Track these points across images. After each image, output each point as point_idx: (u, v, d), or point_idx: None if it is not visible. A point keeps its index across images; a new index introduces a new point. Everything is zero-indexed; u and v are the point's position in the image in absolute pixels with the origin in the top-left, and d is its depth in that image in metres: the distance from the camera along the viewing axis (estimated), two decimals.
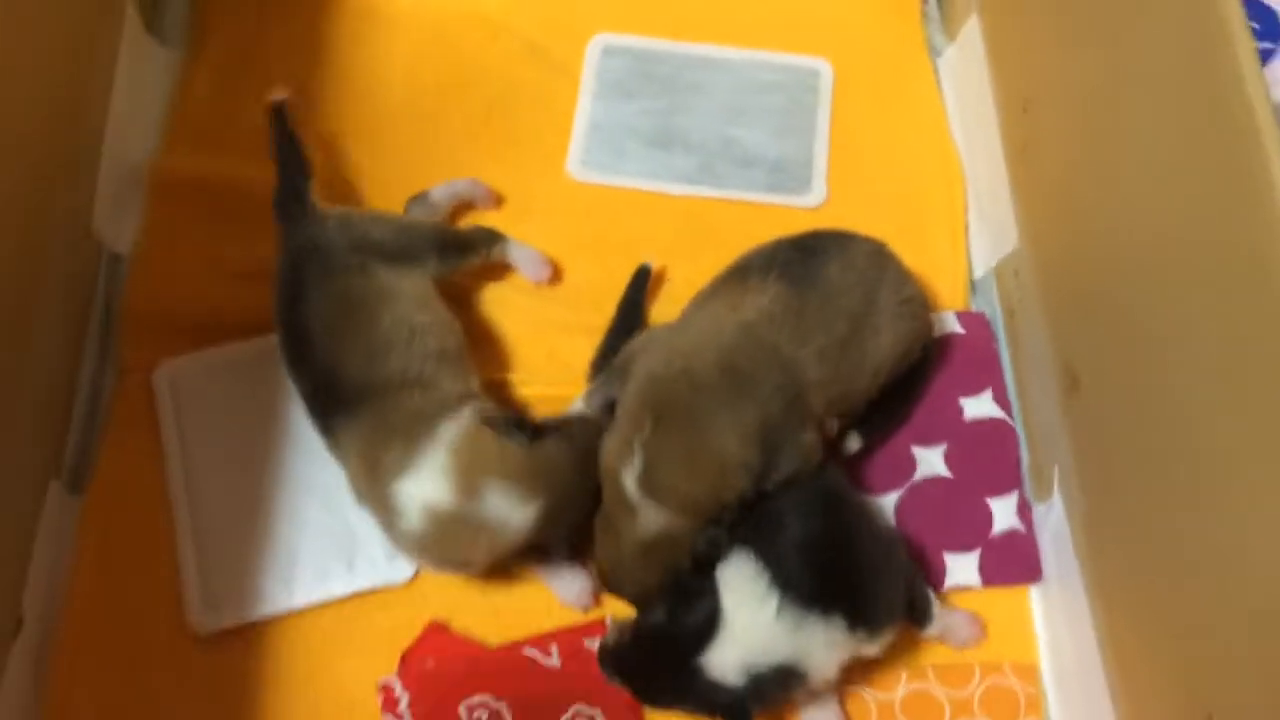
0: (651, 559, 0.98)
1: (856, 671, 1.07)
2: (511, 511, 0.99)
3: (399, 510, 1.00)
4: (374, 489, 1.02)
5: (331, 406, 1.04)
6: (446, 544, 1.01)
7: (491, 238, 1.22)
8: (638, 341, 1.10)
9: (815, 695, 1.03)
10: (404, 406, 1.02)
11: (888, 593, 1.01)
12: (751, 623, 0.93)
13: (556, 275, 1.26)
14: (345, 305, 1.06)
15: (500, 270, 1.26)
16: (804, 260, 1.09)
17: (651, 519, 0.97)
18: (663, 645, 0.96)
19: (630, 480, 0.97)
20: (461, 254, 1.18)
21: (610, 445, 1.00)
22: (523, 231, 1.29)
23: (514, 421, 1.01)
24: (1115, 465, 1.01)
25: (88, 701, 1.05)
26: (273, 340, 1.12)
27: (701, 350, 1.01)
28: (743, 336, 1.02)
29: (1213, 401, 0.85)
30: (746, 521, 0.98)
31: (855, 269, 1.10)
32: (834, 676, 0.98)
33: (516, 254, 1.24)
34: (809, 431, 1.02)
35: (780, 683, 0.94)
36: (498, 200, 1.30)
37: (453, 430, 1.00)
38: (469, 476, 0.98)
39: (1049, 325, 1.13)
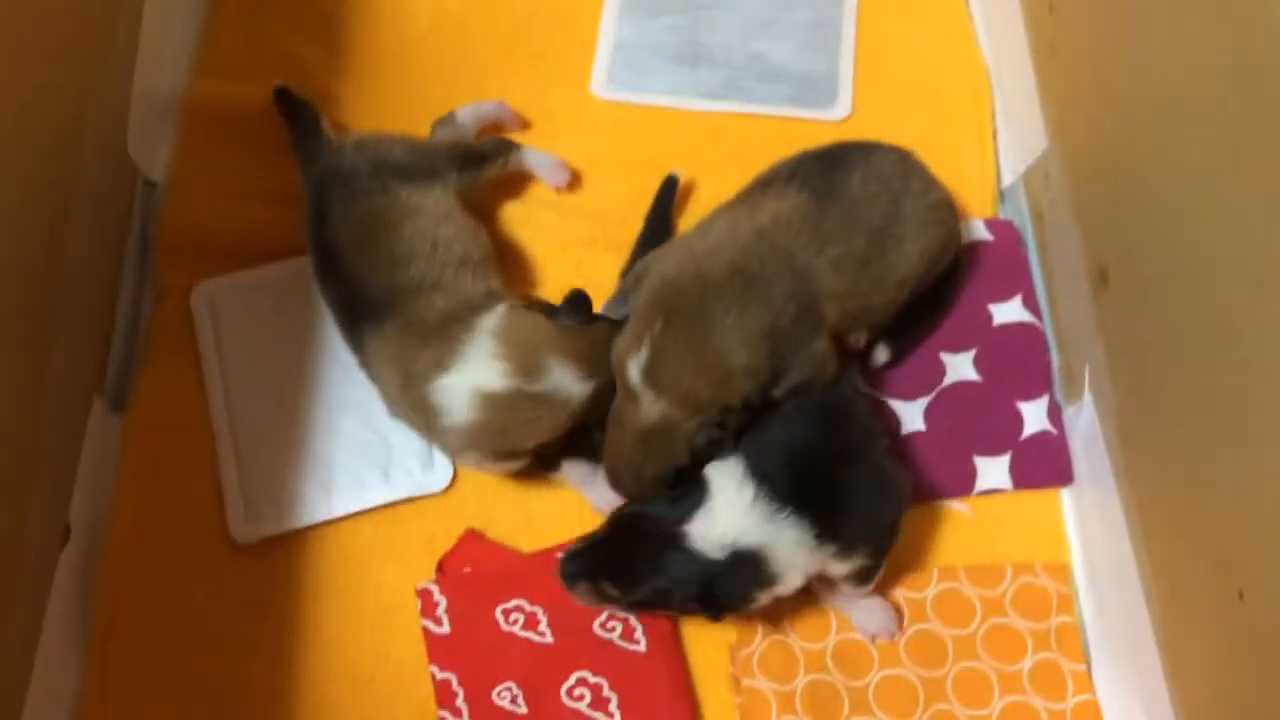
0: (650, 449, 1.00)
1: (887, 572, 1.08)
2: (572, 386, 1.01)
3: (443, 408, 1.01)
4: (409, 394, 1.03)
5: (359, 318, 1.06)
6: (501, 429, 1.02)
7: (507, 146, 1.23)
8: (659, 249, 1.11)
9: (859, 596, 1.04)
10: (431, 311, 1.04)
11: (866, 518, 1.00)
12: (729, 503, 0.95)
13: (576, 180, 1.27)
14: (369, 224, 1.09)
15: (524, 186, 1.27)
16: (827, 171, 1.09)
17: (651, 408, 0.98)
18: (647, 521, 0.98)
19: (635, 371, 0.99)
20: (480, 165, 1.20)
21: (621, 341, 1.02)
22: (548, 148, 1.29)
23: (567, 304, 1.04)
24: (1147, 359, 1.00)
25: (134, 608, 1.08)
26: (306, 261, 1.14)
27: (715, 253, 1.02)
28: (756, 241, 1.02)
29: (1245, 289, 0.84)
30: (752, 426, 0.99)
31: (879, 179, 1.09)
32: (799, 580, 0.98)
33: (533, 159, 1.25)
34: (821, 341, 1.03)
35: (753, 568, 0.95)
36: (523, 123, 1.30)
37: (493, 321, 1.03)
38: (524, 357, 1.01)
39: (1078, 224, 1.12)
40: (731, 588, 0.96)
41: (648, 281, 1.04)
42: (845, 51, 1.35)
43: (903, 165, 1.12)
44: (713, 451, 0.98)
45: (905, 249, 1.09)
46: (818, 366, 1.03)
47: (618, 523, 1.01)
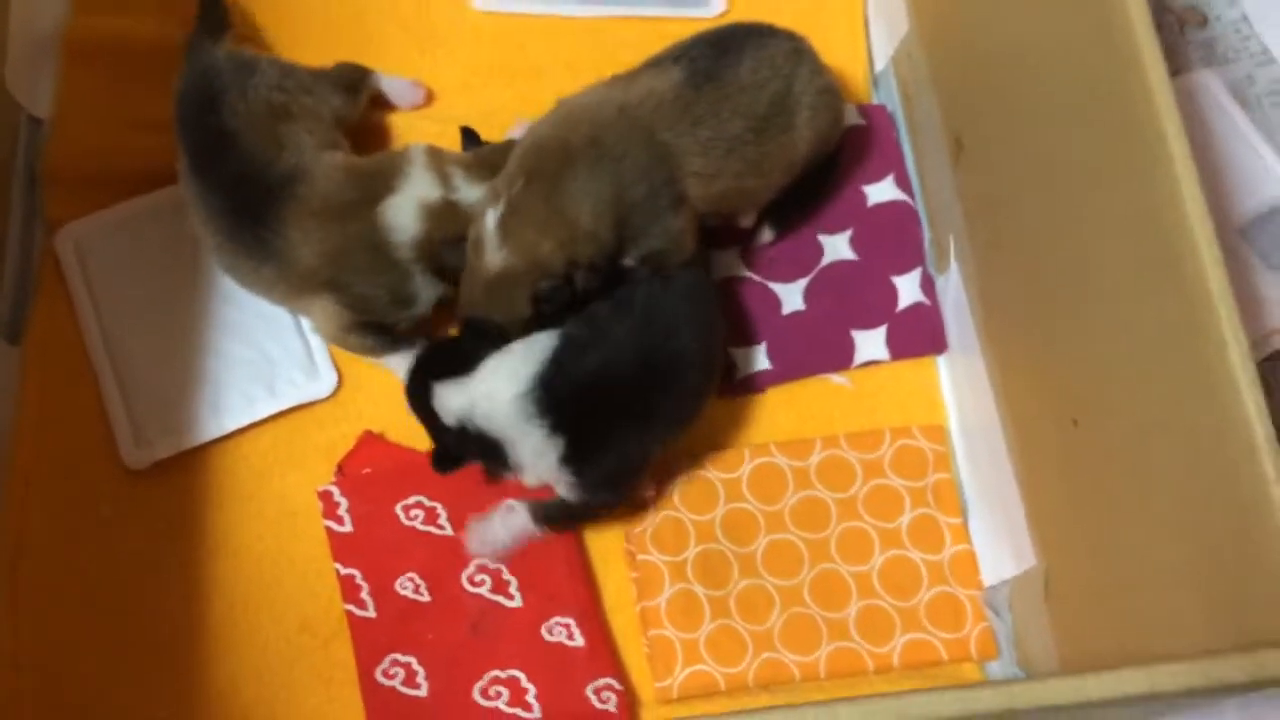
0: (495, 298, 1.04)
1: (771, 443, 1.13)
2: (473, 194, 1.10)
3: (398, 226, 1.09)
4: (347, 230, 1.09)
5: (267, 191, 1.09)
6: (445, 228, 1.09)
7: (364, 71, 1.26)
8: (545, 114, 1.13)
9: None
10: (345, 171, 1.11)
11: (613, 465, 1.03)
12: (489, 392, 1.01)
13: (430, 97, 1.30)
14: (271, 110, 1.12)
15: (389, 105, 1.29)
16: (714, 55, 1.11)
17: (495, 257, 1.03)
18: (433, 356, 1.06)
19: (490, 221, 1.03)
20: (358, 91, 1.23)
21: (484, 194, 1.06)
22: (430, 63, 1.32)
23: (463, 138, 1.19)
24: (998, 220, 1.05)
25: (42, 529, 1.11)
26: (172, 191, 1.16)
27: (580, 123, 1.05)
28: (617, 115, 1.05)
29: (1076, 143, 0.89)
30: (601, 290, 1.04)
31: (770, 65, 1.11)
32: (534, 481, 1.03)
33: (387, 84, 1.27)
34: (680, 218, 1.06)
35: (486, 453, 1.02)
36: (429, 96, 1.31)
37: (419, 149, 1.12)
38: (441, 170, 1.11)
39: (937, 98, 1.16)
40: (458, 452, 1.03)
41: (521, 142, 1.08)
42: None
43: (795, 53, 1.14)
44: (551, 298, 1.02)
45: (794, 134, 1.12)
46: (673, 241, 1.06)
47: (431, 345, 1.09)
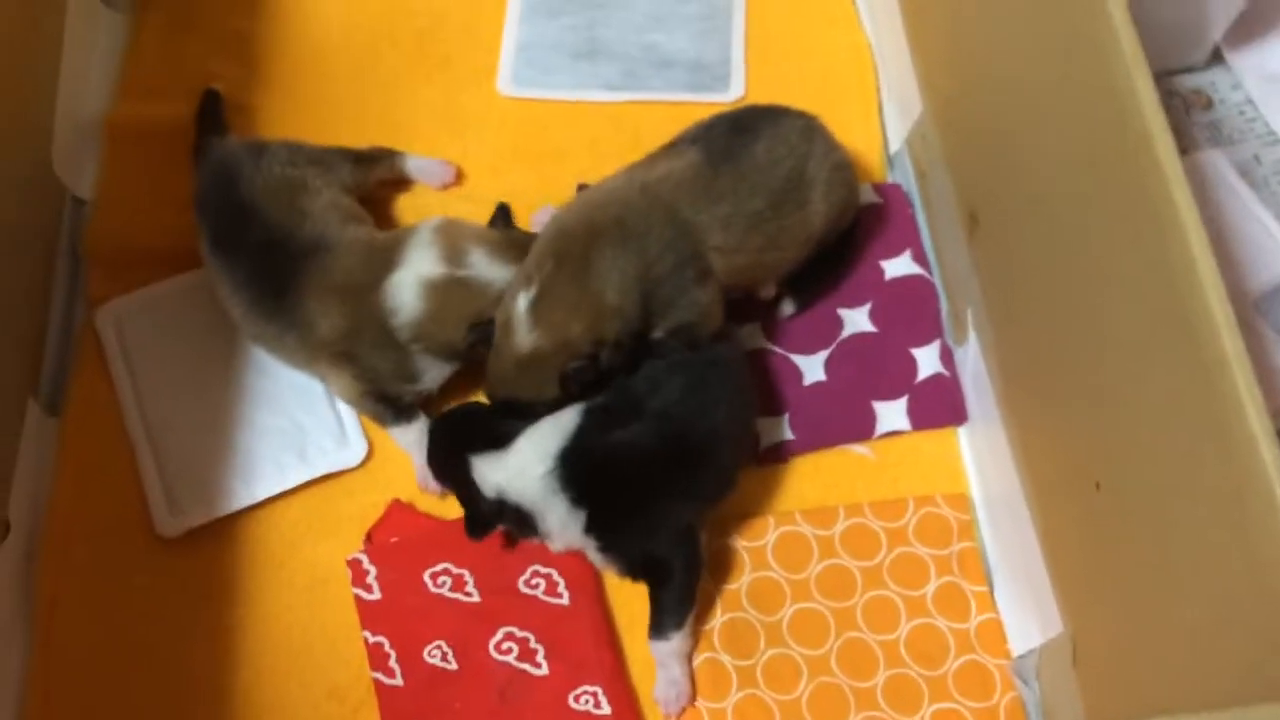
0: (524, 378, 1.07)
1: (796, 511, 1.14)
2: (489, 263, 1.11)
3: (398, 306, 1.10)
4: (360, 309, 1.11)
5: (289, 261, 1.13)
6: (449, 310, 1.10)
7: (390, 152, 1.31)
8: (567, 204, 1.17)
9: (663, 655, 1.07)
10: (365, 246, 1.15)
11: (639, 540, 1.05)
12: (522, 467, 1.04)
13: (460, 176, 1.34)
14: (286, 185, 1.17)
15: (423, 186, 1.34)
16: (731, 135, 1.16)
17: (526, 339, 1.05)
18: (465, 425, 1.10)
19: (523, 304, 1.06)
20: (371, 163, 1.28)
21: (514, 278, 1.09)
22: (459, 147, 1.37)
23: (496, 215, 1.22)
24: (1014, 291, 1.08)
25: (75, 595, 1.12)
26: (206, 271, 1.20)
27: (606, 205, 1.09)
28: (640, 194, 1.10)
29: (1087, 214, 0.92)
30: (626, 366, 1.07)
31: (785, 144, 1.16)
32: (563, 546, 1.07)
33: (415, 165, 1.32)
34: (707, 291, 1.10)
35: (519, 522, 1.06)
36: (458, 175, 1.35)
37: (428, 226, 1.14)
38: (452, 251, 1.12)
39: (951, 175, 1.20)
40: (495, 521, 1.07)
41: (546, 229, 1.11)
42: (736, 39, 1.43)
43: (808, 131, 1.19)
44: (579, 377, 1.05)
45: (809, 210, 1.16)
46: (701, 313, 1.10)
47: (464, 411, 1.13)
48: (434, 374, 1.14)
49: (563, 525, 1.04)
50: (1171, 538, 0.81)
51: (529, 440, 1.05)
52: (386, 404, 1.15)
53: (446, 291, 1.11)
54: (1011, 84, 1.04)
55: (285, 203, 1.16)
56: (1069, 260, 0.94)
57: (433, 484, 1.15)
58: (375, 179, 1.28)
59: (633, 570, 1.07)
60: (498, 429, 1.07)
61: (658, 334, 1.09)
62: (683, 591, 1.05)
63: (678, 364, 1.07)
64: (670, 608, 1.05)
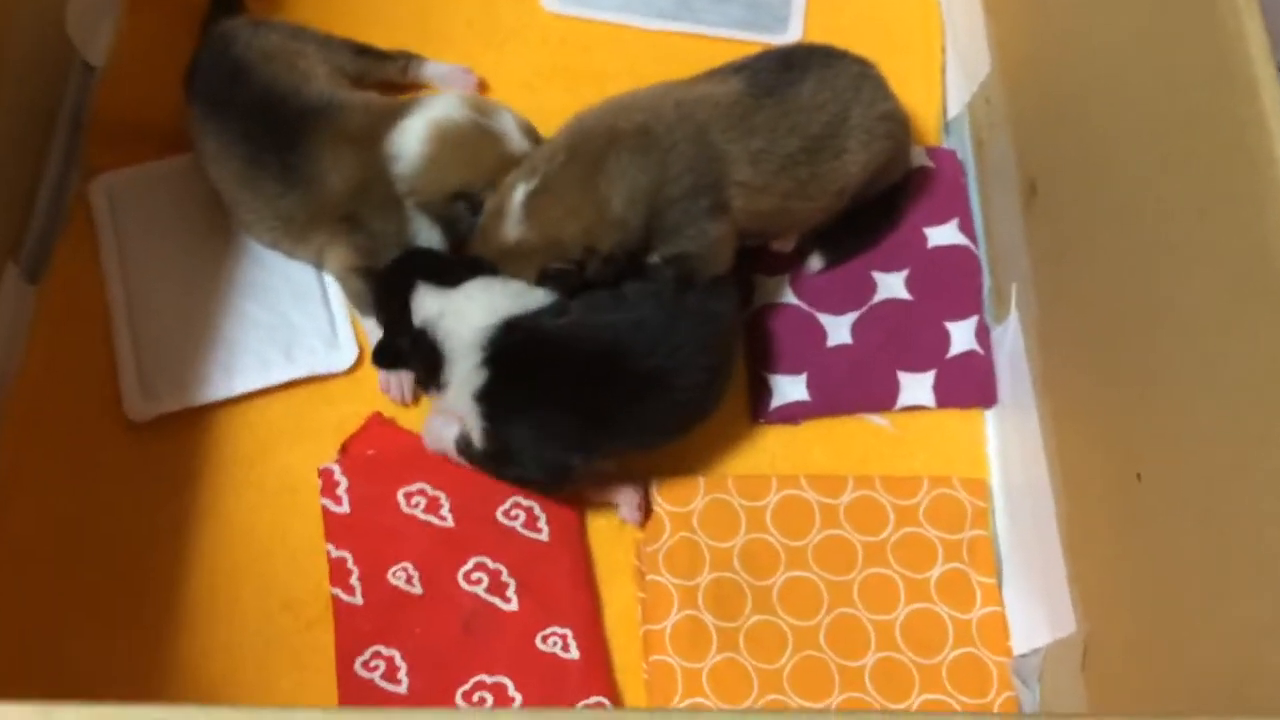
0: (503, 264, 1.01)
1: (801, 475, 1.07)
2: (516, 130, 1.06)
3: (401, 151, 1.05)
4: (369, 158, 1.06)
5: (288, 123, 1.07)
6: (454, 157, 1.04)
7: (408, 54, 1.24)
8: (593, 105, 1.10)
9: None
10: (386, 102, 1.11)
11: (525, 437, 1.00)
12: (462, 310, 1.00)
13: (482, 85, 1.27)
14: (281, 49, 1.12)
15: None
16: (779, 70, 1.09)
17: (514, 229, 0.99)
18: (425, 259, 1.05)
19: (520, 193, 0.99)
20: (379, 60, 1.22)
21: (519, 166, 1.02)
22: (494, 59, 1.30)
23: None
24: (1066, 265, 1.00)
25: (34, 468, 1.06)
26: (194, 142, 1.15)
27: (632, 111, 1.02)
28: (673, 108, 1.02)
29: (1151, 192, 0.84)
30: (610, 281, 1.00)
31: (831, 87, 1.09)
32: (448, 406, 1.02)
33: (436, 70, 1.25)
34: (719, 225, 1.02)
35: (426, 361, 1.01)
36: (481, 86, 1.28)
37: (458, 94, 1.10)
38: (480, 104, 1.08)
39: (1014, 140, 1.12)
40: (412, 355, 1.03)
41: (567, 124, 1.04)
42: None
43: (859, 77, 1.11)
44: (559, 280, 0.99)
45: (845, 160, 1.09)
46: (706, 247, 1.02)
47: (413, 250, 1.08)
48: (426, 240, 1.08)
49: (462, 381, 0.99)
50: (1223, 534, 0.73)
51: (482, 288, 1.00)
52: (370, 285, 1.08)
53: (457, 137, 1.04)
54: (1096, 41, 0.96)
55: (284, 65, 1.11)
56: (1136, 229, 0.86)
57: (393, 390, 1.09)
58: (378, 77, 1.21)
59: (490, 458, 1.01)
60: (456, 271, 1.02)
61: (654, 258, 1.02)
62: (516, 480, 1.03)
63: (653, 295, 1.00)
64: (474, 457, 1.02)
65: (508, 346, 0.98)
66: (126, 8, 1.28)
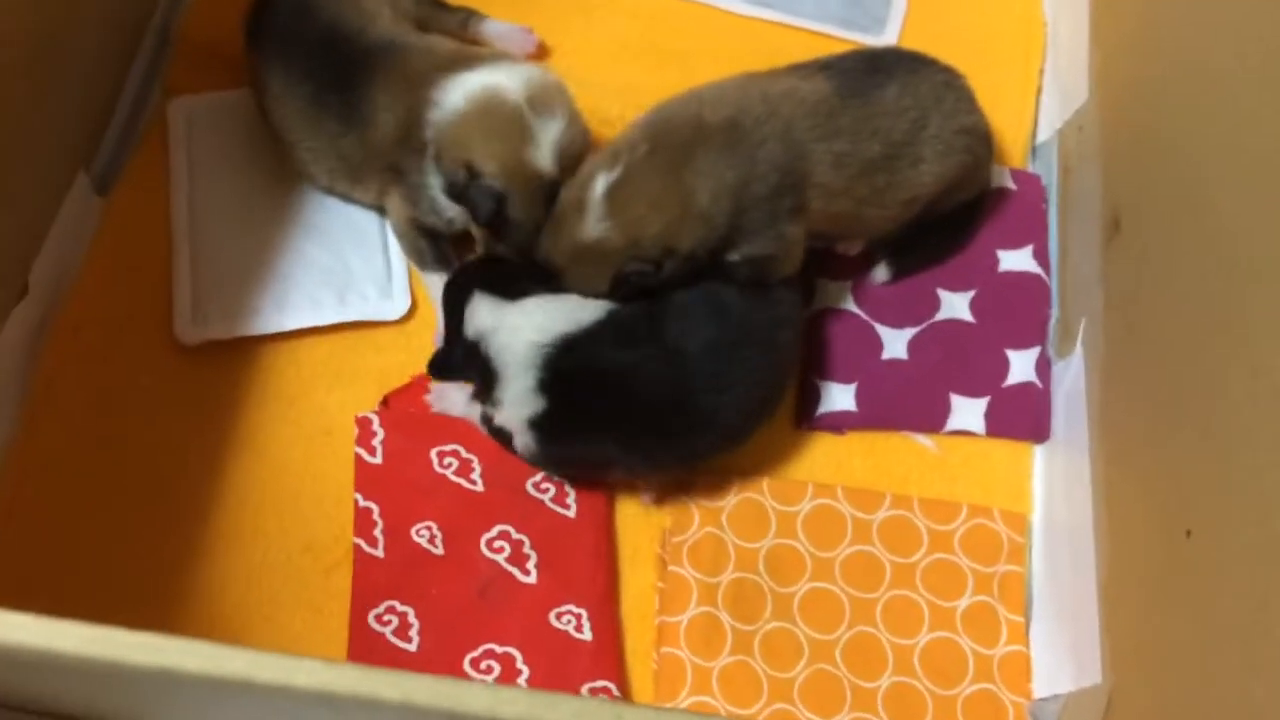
0: (578, 264, 0.97)
1: (838, 486, 1.05)
2: (552, 146, 1.00)
3: (442, 100, 1.02)
4: (419, 97, 1.03)
5: (352, 61, 1.06)
6: (483, 129, 1.00)
7: (469, 10, 1.21)
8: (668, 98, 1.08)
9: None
10: (455, 48, 1.09)
11: (574, 458, 1.01)
12: (518, 326, 0.97)
13: (542, 49, 1.25)
14: None
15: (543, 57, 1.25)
16: (865, 72, 1.06)
17: (595, 227, 0.95)
18: (491, 268, 1.03)
19: (601, 185, 0.96)
20: (439, 8, 1.19)
21: (598, 157, 0.99)
22: (581, 26, 1.28)
23: None
24: (1140, 306, 0.96)
25: (74, 380, 1.06)
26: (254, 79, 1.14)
27: (719, 104, 0.99)
28: (760, 103, 1.00)
29: (1257, 239, 0.80)
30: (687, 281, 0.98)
31: (914, 94, 1.06)
32: (502, 423, 1.00)
33: (496, 29, 1.22)
34: (794, 226, 1.00)
35: (481, 376, 0.99)
36: (543, 49, 1.26)
37: (541, 70, 1.05)
38: (543, 99, 1.02)
39: (1104, 172, 1.08)
40: (463, 365, 1.00)
41: (645, 115, 1.01)
42: None
43: (944, 86, 1.08)
44: (637, 282, 0.96)
45: (921, 169, 1.06)
46: (784, 249, 1.00)
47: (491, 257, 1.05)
48: (451, 213, 1.06)
49: (515, 403, 0.97)
50: (1269, 604, 0.70)
51: (540, 306, 0.97)
52: (429, 241, 1.08)
53: (497, 115, 0.99)
54: (1207, 78, 0.91)
55: (350, 4, 1.09)
56: (1226, 280, 0.82)
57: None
58: (439, 28, 1.18)
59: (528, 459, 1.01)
60: (520, 283, 0.99)
61: (734, 256, 0.99)
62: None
63: (719, 313, 0.98)
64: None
65: (564, 371, 0.96)
66: None
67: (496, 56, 1.07)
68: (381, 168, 1.07)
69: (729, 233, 0.97)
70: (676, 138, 0.97)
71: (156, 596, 0.99)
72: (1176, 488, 0.84)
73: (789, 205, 0.99)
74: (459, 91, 1.01)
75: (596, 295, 0.98)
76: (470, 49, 1.10)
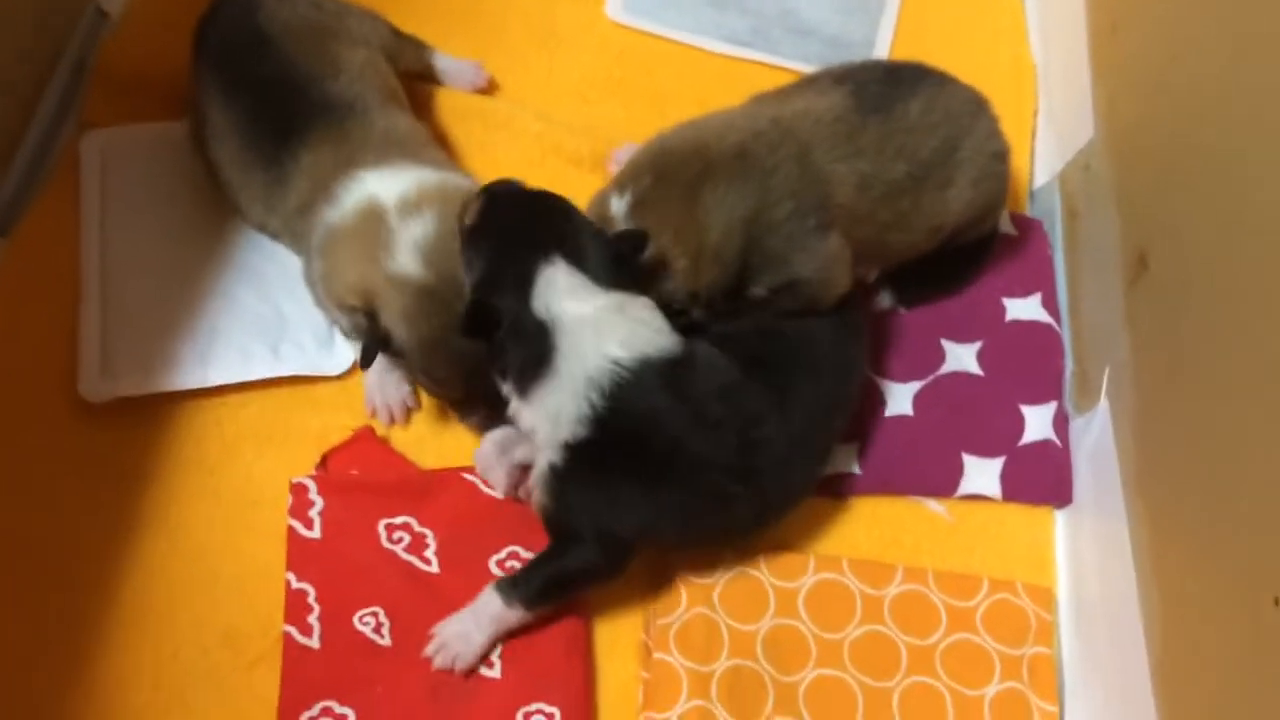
0: None
1: (844, 558, 0.93)
2: (412, 251, 0.89)
3: (330, 202, 0.92)
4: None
5: (299, 113, 0.95)
6: (346, 250, 0.91)
7: (421, 43, 1.14)
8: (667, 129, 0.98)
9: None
10: (370, 129, 0.95)
11: (585, 497, 0.85)
12: (602, 326, 0.82)
13: (492, 84, 1.17)
14: (313, 25, 1.01)
15: (504, 90, 1.17)
16: (886, 85, 0.97)
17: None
18: (574, 215, 0.87)
19: (618, 206, 0.87)
20: (408, 42, 1.11)
21: (601, 191, 0.91)
22: (547, 62, 1.20)
23: None
24: (1181, 351, 0.86)
25: None
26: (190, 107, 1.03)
27: (726, 133, 0.90)
28: (770, 126, 0.91)
29: None
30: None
31: (943, 110, 0.97)
32: (522, 426, 0.86)
33: (444, 64, 1.15)
34: (830, 242, 0.90)
35: (520, 350, 0.83)
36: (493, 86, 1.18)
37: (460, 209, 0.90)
38: (414, 203, 0.91)
39: (1119, 211, 0.99)
40: (494, 324, 0.83)
41: (645, 145, 0.92)
42: (886, 22, 1.25)
43: (975, 104, 1.00)
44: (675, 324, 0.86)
45: (950, 194, 0.97)
46: (820, 269, 0.90)
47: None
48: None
49: (551, 418, 0.83)
50: None
51: (635, 311, 0.83)
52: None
53: (362, 233, 0.89)
54: (1233, 98, 0.83)
55: (313, 47, 0.99)
56: (1271, 327, 0.73)
57: (381, 411, 0.96)
58: (405, 63, 1.10)
59: (551, 515, 0.85)
60: (611, 267, 0.83)
61: (757, 290, 0.89)
62: (558, 575, 0.85)
63: (791, 360, 0.89)
64: (535, 577, 0.85)
65: (626, 401, 0.82)
66: None
67: (424, 157, 0.96)
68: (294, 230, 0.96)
69: (743, 269, 0.88)
70: (684, 170, 0.88)
71: (49, 696, 0.83)
72: (1251, 551, 0.72)
73: (815, 223, 0.90)
74: (350, 199, 0.91)
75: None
76: (412, 139, 0.99)
